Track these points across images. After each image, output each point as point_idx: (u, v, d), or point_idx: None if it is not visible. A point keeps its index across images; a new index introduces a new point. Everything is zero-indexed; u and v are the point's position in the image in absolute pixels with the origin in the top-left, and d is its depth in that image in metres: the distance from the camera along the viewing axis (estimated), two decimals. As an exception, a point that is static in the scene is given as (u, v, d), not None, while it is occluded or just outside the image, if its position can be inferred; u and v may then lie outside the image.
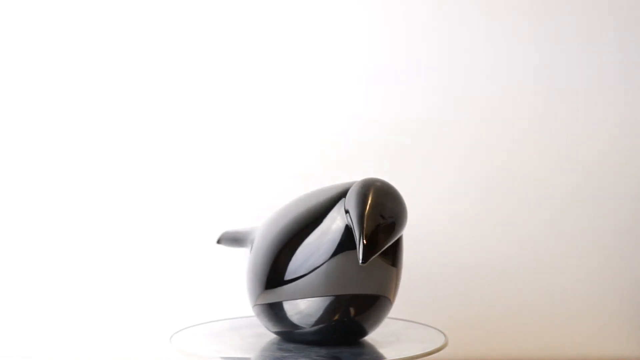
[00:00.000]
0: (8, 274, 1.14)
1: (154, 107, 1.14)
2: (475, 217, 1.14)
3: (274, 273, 0.92)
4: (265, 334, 0.97)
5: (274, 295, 0.92)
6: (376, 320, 0.93)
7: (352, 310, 0.91)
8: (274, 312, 0.92)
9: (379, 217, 0.87)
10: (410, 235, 1.12)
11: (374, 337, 0.96)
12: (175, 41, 1.14)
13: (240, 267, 1.04)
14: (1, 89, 1.14)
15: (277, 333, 0.95)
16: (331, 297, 0.90)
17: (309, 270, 0.89)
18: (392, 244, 0.90)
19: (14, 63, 1.14)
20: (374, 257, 0.85)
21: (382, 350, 0.93)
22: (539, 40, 1.14)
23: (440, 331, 0.99)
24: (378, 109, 1.14)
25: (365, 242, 0.85)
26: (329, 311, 0.90)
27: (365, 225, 0.86)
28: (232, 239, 1.05)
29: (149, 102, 1.14)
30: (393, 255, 0.91)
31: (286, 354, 0.90)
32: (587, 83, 1.14)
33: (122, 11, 1.14)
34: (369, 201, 0.88)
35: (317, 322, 0.90)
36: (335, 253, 0.89)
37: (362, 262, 0.85)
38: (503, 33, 1.14)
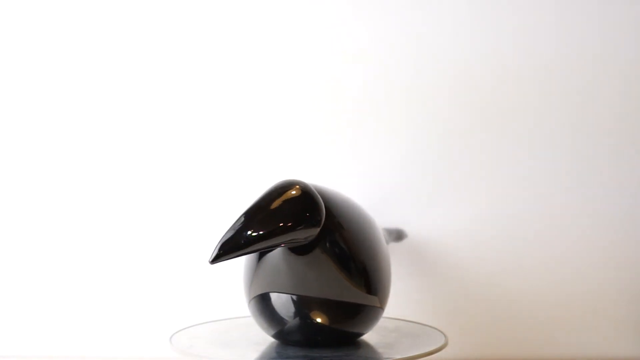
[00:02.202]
0: (8, 273, 1.14)
1: (152, 104, 1.14)
2: (475, 215, 1.14)
3: (261, 267, 0.89)
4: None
5: (261, 287, 0.89)
6: (364, 324, 0.91)
7: (319, 314, 0.88)
8: (264, 303, 0.90)
9: (259, 219, 0.80)
10: (409, 235, 1.13)
11: (373, 337, 0.96)
12: (159, 37, 1.14)
13: (240, 267, 1.04)
14: (1, 88, 1.14)
15: (272, 335, 0.94)
16: (295, 296, 0.87)
17: (275, 265, 0.87)
18: (367, 249, 0.88)
19: (13, 63, 1.14)
20: (227, 258, 0.79)
21: (382, 351, 0.93)
22: (534, 29, 1.13)
23: (440, 331, 0.99)
24: (364, 92, 1.14)
25: (222, 241, 0.79)
26: (300, 310, 0.87)
27: (233, 224, 0.80)
28: None
29: (147, 100, 1.14)
30: (355, 260, 0.88)
31: (285, 354, 0.90)
32: (582, 71, 1.14)
33: (122, 11, 1.14)
34: (259, 200, 0.81)
35: (294, 317, 0.88)
36: (294, 253, 0.86)
37: (210, 261, 0.78)
38: (491, 15, 1.13)
